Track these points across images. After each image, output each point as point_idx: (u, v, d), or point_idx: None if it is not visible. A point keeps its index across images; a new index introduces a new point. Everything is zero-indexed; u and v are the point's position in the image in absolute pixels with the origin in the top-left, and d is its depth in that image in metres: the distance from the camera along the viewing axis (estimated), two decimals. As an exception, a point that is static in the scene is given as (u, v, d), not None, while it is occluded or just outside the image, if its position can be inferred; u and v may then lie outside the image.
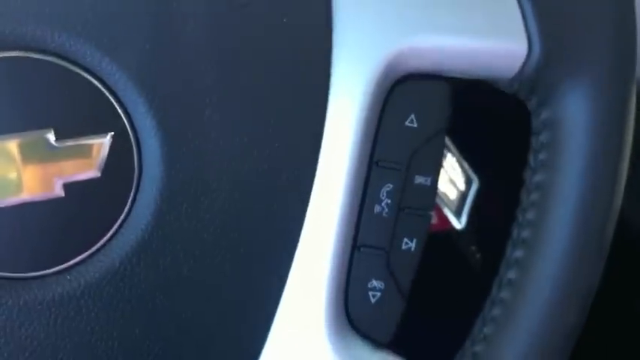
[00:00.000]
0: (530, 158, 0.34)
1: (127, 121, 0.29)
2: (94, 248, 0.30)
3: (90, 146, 0.29)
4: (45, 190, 0.29)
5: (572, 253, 0.32)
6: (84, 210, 0.30)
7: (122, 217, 0.30)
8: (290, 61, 0.31)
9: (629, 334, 0.55)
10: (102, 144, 0.29)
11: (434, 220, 0.58)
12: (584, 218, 0.32)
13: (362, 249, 0.33)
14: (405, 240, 0.33)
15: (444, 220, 0.58)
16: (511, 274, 0.33)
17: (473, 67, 0.33)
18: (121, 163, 0.29)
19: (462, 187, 0.58)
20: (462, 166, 0.57)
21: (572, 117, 0.32)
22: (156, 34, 0.29)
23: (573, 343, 0.33)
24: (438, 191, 0.50)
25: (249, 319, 0.32)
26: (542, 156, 0.33)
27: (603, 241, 0.33)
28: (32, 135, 0.28)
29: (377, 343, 0.34)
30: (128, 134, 0.29)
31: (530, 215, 0.33)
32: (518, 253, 0.33)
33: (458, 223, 0.58)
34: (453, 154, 0.57)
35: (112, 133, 0.29)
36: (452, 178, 0.58)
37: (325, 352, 0.32)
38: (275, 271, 0.32)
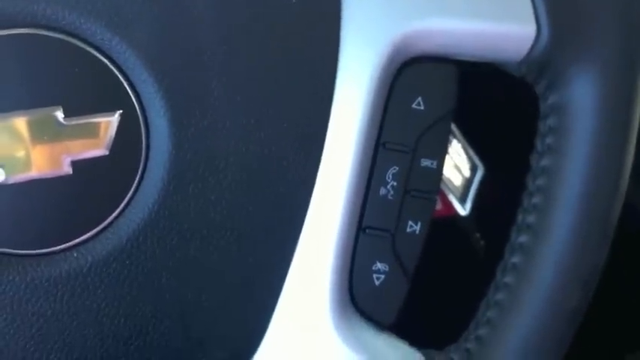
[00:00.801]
0: (537, 142, 0.34)
1: (136, 100, 0.29)
2: (101, 226, 0.30)
3: (98, 124, 0.29)
4: (53, 168, 0.29)
5: (576, 238, 0.32)
6: (91, 188, 0.30)
7: (129, 195, 0.30)
8: (298, 42, 0.31)
9: (633, 321, 0.55)
10: (110, 122, 0.29)
11: (438, 206, 0.58)
12: (589, 204, 0.32)
13: (367, 231, 0.33)
14: (410, 223, 0.33)
15: (449, 206, 0.58)
16: (515, 259, 0.33)
17: (481, 50, 0.33)
18: (128, 142, 0.29)
19: (466, 173, 0.57)
20: (467, 153, 0.57)
21: (580, 101, 0.32)
22: (166, 13, 0.29)
23: (576, 327, 0.33)
24: (443, 177, 0.50)
25: (254, 299, 0.32)
26: (549, 140, 0.33)
27: (608, 226, 0.33)
28: (41, 112, 0.28)
29: (380, 326, 0.34)
30: (136, 113, 0.29)
31: (535, 200, 0.33)
32: (523, 238, 0.33)
33: (462, 210, 0.58)
34: (459, 140, 0.57)
35: (121, 111, 0.29)
36: (457, 164, 0.57)
37: (328, 333, 0.32)
38: (280, 251, 0.32)
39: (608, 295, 0.39)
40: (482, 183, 0.57)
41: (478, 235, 0.58)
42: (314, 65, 0.31)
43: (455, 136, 0.57)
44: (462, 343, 0.34)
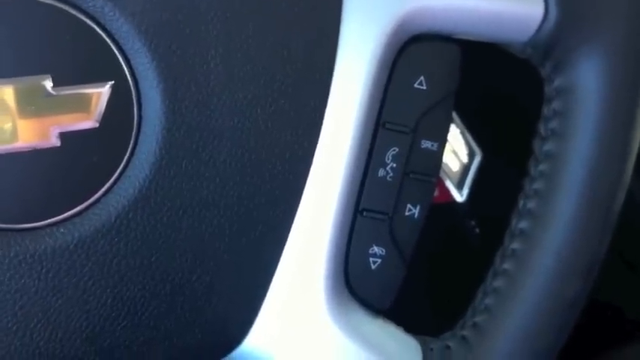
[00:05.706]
0: (541, 127, 0.33)
1: (128, 71, 0.29)
2: (89, 201, 0.29)
3: (88, 95, 0.28)
4: (40, 139, 0.28)
5: (578, 225, 0.32)
6: (80, 161, 0.29)
7: (119, 170, 0.29)
8: (298, 16, 0.30)
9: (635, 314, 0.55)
10: (101, 93, 0.28)
11: (435, 192, 0.58)
12: (592, 190, 0.32)
13: (364, 213, 0.32)
14: (409, 206, 0.33)
15: (446, 192, 0.57)
16: (515, 245, 0.33)
17: (486, 30, 0.32)
18: (120, 114, 0.29)
19: (464, 159, 0.57)
20: (465, 138, 0.57)
21: (587, 84, 0.31)
22: None
23: (576, 315, 0.33)
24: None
25: (246, 280, 0.31)
26: (553, 124, 0.32)
27: (611, 214, 0.32)
28: (29, 81, 0.28)
29: (375, 311, 0.33)
30: (129, 84, 0.29)
31: (537, 185, 0.33)
32: (524, 224, 0.33)
33: (459, 196, 0.57)
34: (457, 125, 0.57)
35: (112, 82, 0.28)
36: (455, 149, 0.57)
37: (322, 317, 0.32)
38: (274, 232, 0.31)
39: (607, 287, 0.39)
40: (479, 169, 0.57)
41: (473, 222, 0.57)
42: (314, 40, 0.30)
43: (453, 121, 0.57)
44: (459, 331, 0.33)
